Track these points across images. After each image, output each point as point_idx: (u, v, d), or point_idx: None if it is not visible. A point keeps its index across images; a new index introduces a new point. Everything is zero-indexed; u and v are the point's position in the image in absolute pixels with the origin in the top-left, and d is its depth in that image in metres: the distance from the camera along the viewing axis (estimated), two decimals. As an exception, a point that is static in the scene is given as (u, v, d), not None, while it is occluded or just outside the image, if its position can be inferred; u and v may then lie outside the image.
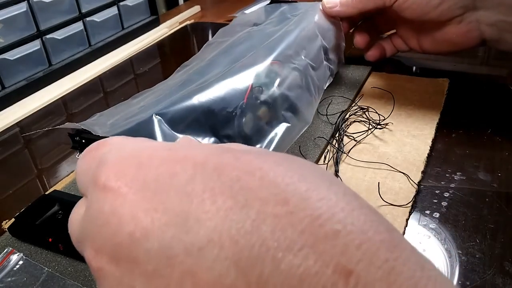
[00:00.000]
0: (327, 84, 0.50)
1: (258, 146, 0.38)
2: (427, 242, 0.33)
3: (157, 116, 0.32)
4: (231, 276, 0.14)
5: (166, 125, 0.32)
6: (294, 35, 0.45)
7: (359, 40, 0.57)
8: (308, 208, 0.15)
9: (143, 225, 0.16)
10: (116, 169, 0.18)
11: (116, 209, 0.17)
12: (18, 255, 0.33)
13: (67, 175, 0.44)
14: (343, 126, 0.47)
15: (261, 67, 0.39)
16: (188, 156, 0.17)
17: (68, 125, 0.32)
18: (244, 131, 0.38)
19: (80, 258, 0.33)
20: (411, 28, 0.53)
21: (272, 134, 0.38)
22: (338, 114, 0.48)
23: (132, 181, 0.17)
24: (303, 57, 0.44)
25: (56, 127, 0.33)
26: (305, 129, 0.41)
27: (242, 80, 0.37)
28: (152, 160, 0.17)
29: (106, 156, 0.19)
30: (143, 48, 0.76)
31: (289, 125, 0.39)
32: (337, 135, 0.46)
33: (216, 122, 0.35)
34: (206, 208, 0.15)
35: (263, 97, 0.40)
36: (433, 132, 0.45)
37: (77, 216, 0.20)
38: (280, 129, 0.39)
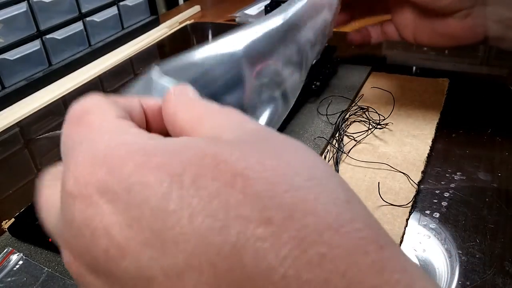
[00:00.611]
0: (314, 62, 0.47)
1: None
2: (427, 242, 0.33)
3: (156, 68, 0.29)
4: None
5: (166, 76, 0.29)
6: (300, 4, 0.42)
7: (341, 19, 0.53)
8: (293, 229, 0.13)
9: (117, 242, 0.14)
10: (85, 172, 0.16)
11: (88, 219, 0.15)
12: (18, 255, 0.33)
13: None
14: (343, 126, 0.47)
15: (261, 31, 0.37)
16: (164, 164, 0.15)
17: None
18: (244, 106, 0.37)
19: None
20: (410, 17, 0.49)
21: (261, 115, 0.37)
22: (338, 114, 0.48)
23: (102, 189, 0.15)
24: (305, 31, 0.42)
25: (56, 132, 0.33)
26: (286, 114, 0.39)
27: (242, 42, 0.35)
28: (124, 165, 0.15)
29: (78, 148, 0.17)
30: (143, 48, 0.76)
31: (277, 108, 0.38)
32: (337, 135, 0.46)
33: (215, 91, 0.34)
34: (183, 229, 0.14)
35: (264, 97, 0.40)
36: (433, 132, 0.45)
37: (52, 199, 0.18)
38: (267, 111, 0.37)
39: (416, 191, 0.38)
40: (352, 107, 0.50)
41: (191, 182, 0.14)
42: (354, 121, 0.48)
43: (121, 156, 0.16)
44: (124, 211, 0.15)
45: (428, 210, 0.36)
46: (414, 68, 0.60)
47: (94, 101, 0.20)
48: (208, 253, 0.13)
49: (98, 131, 0.18)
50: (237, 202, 0.14)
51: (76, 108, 0.19)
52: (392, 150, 0.43)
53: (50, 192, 0.19)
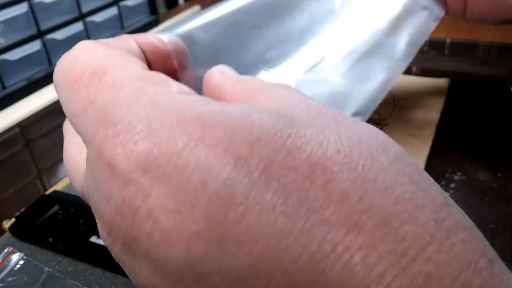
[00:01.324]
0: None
1: None
2: (427, 242, 0.33)
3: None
4: None
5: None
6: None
7: None
8: (389, 240, 0.11)
9: (163, 228, 0.12)
10: (123, 141, 0.13)
11: (129, 199, 0.13)
12: (18, 255, 0.33)
13: (67, 175, 0.44)
14: (343, 126, 0.47)
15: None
16: (227, 142, 0.12)
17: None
18: None
19: (80, 258, 0.34)
20: None
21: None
22: (338, 114, 0.48)
23: (146, 164, 0.12)
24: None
25: None
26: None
27: None
28: (176, 137, 0.12)
29: (106, 113, 0.14)
30: (144, 48, 0.76)
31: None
32: (337, 135, 0.46)
33: None
34: (250, 228, 0.11)
35: None
36: (433, 132, 0.45)
37: (77, 159, 0.16)
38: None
39: (416, 191, 0.38)
40: (352, 107, 0.50)
41: (262, 169, 0.12)
42: (354, 121, 0.48)
43: (171, 125, 0.13)
44: (173, 194, 0.12)
45: (428, 210, 0.36)
46: (414, 68, 0.60)
47: (99, 53, 0.16)
48: (281, 261, 0.11)
49: (130, 91, 0.14)
50: (319, 202, 0.11)
51: (79, 64, 0.16)
52: (392, 150, 0.43)
53: (74, 151, 0.17)
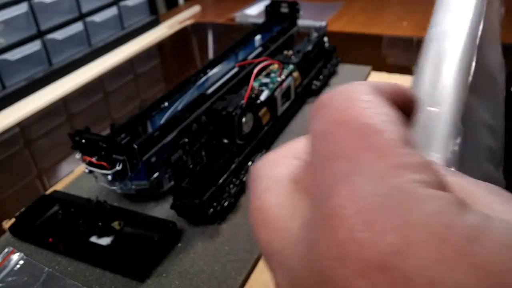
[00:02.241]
0: None
1: None
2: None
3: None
4: None
5: None
6: None
7: None
8: None
9: None
10: (371, 233, 0.11)
11: None
12: (18, 255, 0.33)
13: (67, 175, 0.45)
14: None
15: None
16: (497, 277, 0.10)
17: None
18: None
19: (79, 258, 0.34)
20: None
21: None
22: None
23: (386, 266, 0.11)
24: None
25: None
26: None
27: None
28: (423, 245, 0.11)
29: (359, 187, 0.12)
30: (143, 48, 0.76)
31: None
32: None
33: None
34: None
35: (263, 97, 0.41)
36: (433, 132, 0.45)
37: (284, 219, 0.14)
38: None
39: (415, 191, 0.38)
40: (352, 107, 0.50)
41: None
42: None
43: (421, 234, 0.11)
44: None
45: (427, 209, 0.36)
46: (414, 68, 0.60)
47: (374, 109, 0.13)
48: None
49: (385, 165, 0.12)
50: None
51: (355, 109, 0.13)
52: (392, 150, 0.43)
53: (276, 199, 0.14)
